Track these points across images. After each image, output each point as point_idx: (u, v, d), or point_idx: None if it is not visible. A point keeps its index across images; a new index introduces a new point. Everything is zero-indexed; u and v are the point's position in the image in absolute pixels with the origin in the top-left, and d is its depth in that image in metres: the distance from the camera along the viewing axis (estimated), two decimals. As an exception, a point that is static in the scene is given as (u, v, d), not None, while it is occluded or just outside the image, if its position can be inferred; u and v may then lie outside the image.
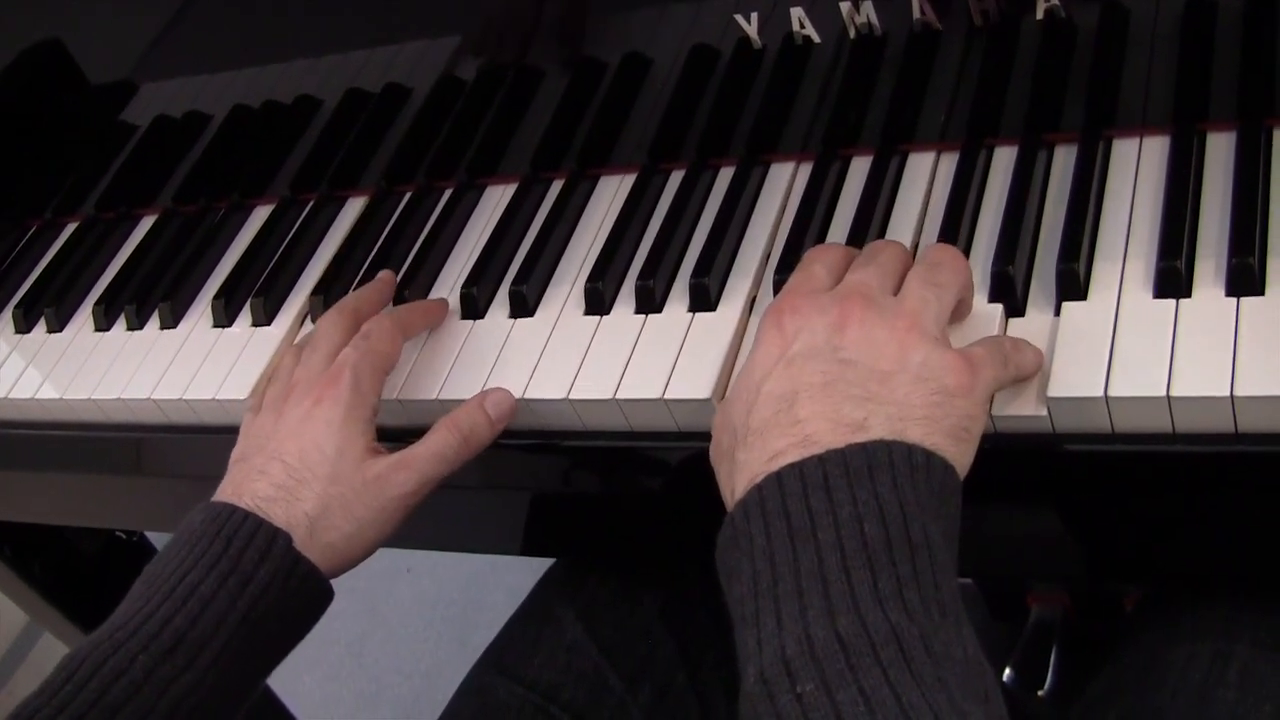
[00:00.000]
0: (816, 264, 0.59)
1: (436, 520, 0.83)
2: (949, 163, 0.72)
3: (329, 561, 0.63)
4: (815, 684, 0.43)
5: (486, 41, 0.83)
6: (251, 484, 0.64)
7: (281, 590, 0.61)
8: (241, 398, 0.78)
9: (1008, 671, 1.17)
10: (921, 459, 0.49)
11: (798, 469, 0.49)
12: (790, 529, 0.48)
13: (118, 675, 0.57)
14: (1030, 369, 0.58)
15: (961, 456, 0.51)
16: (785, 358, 0.53)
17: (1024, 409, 0.57)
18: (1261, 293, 0.57)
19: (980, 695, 0.44)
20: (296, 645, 0.64)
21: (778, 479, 0.49)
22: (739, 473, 0.52)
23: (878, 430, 0.50)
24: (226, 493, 0.64)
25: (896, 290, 0.57)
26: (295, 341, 0.78)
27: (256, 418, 0.69)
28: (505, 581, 1.78)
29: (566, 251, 0.78)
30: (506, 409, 0.68)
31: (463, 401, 0.69)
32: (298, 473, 0.64)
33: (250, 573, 0.60)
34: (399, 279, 0.80)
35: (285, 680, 1.65)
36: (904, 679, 0.43)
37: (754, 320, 0.68)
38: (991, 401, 0.56)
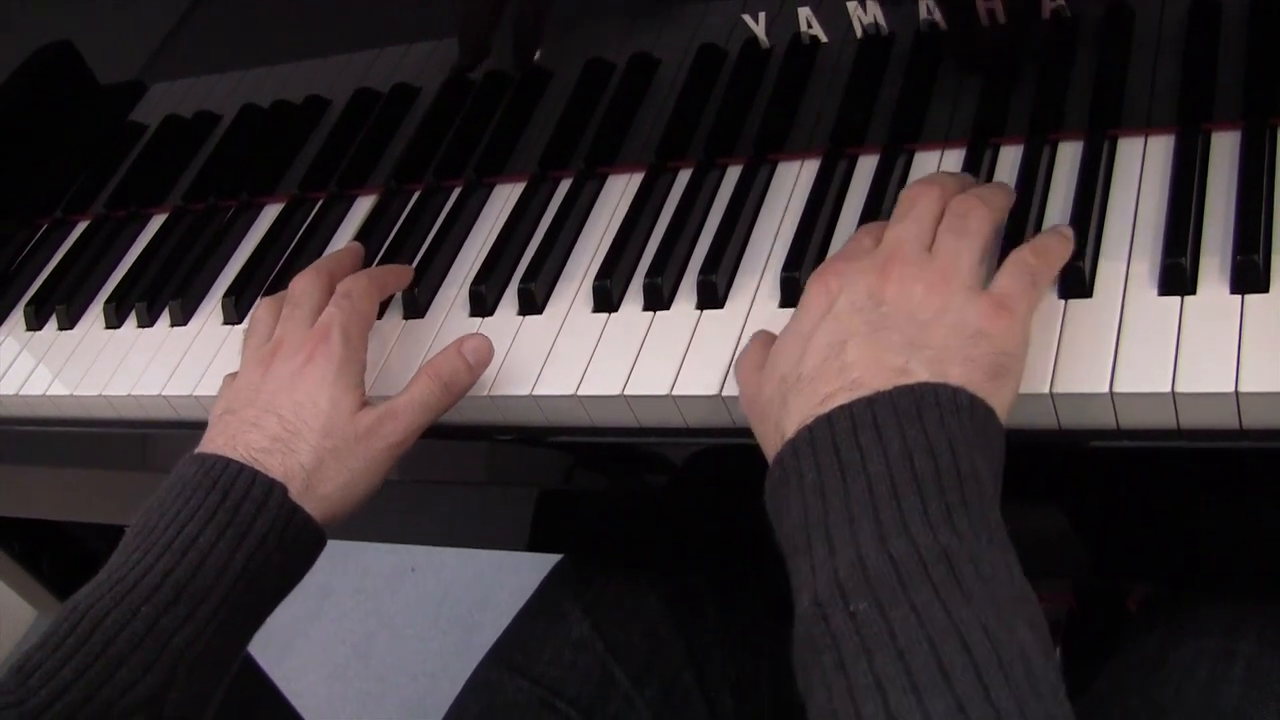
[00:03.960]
0: (866, 237, 0.61)
1: (444, 517, 0.83)
2: (955, 161, 0.72)
3: (324, 513, 0.64)
4: (868, 602, 0.44)
5: (495, 40, 0.83)
6: (245, 435, 0.64)
7: (279, 541, 0.62)
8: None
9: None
10: (965, 401, 0.51)
11: (847, 410, 0.51)
12: (840, 464, 0.49)
13: (121, 628, 0.57)
14: (1057, 265, 0.59)
15: (1000, 392, 0.53)
16: (831, 313, 0.56)
17: (1029, 405, 0.58)
18: (1266, 289, 0.57)
19: (1029, 620, 0.45)
20: (290, 593, 0.65)
21: (828, 419, 0.51)
22: (788, 417, 0.53)
23: (920, 374, 0.52)
24: (217, 444, 0.64)
25: (933, 240, 0.59)
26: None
27: (240, 372, 0.70)
28: (510, 581, 1.79)
29: (575, 249, 0.78)
30: (485, 354, 0.69)
31: (473, 398, 0.69)
32: (292, 425, 0.64)
33: (248, 524, 0.61)
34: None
35: (291, 680, 1.66)
36: (954, 595, 0.44)
37: (760, 317, 0.69)
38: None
